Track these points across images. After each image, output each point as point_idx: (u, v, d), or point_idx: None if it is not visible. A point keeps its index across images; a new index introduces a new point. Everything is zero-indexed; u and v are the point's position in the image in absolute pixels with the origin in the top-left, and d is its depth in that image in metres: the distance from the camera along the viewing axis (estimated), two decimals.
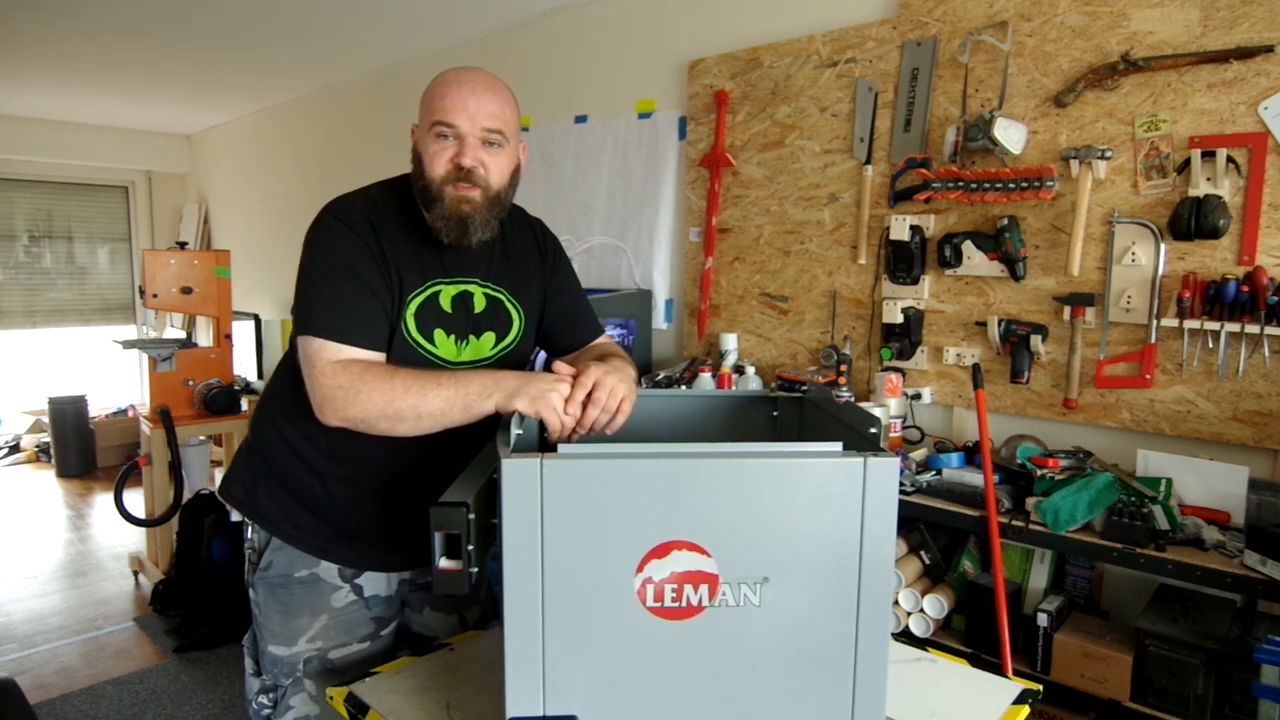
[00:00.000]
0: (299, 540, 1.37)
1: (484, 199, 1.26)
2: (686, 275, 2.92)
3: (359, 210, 1.28)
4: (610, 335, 3.00)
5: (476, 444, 1.26)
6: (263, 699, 1.41)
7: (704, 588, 0.93)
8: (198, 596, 3.30)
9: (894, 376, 2.24)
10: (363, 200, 1.30)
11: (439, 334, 1.31)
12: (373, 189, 1.35)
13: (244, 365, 4.85)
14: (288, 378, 1.37)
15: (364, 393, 1.14)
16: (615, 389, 1.14)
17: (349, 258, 1.23)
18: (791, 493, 0.93)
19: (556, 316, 1.48)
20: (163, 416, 3.46)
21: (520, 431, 1.10)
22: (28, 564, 4.06)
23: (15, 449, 6.11)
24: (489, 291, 1.38)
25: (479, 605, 1.58)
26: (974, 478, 1.90)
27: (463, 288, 1.35)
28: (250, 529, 1.42)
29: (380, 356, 1.24)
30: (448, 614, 1.53)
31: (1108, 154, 1.90)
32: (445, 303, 1.32)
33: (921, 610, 1.94)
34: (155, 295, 3.66)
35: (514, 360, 1.41)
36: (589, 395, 1.13)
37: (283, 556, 1.38)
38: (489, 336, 1.37)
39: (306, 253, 1.25)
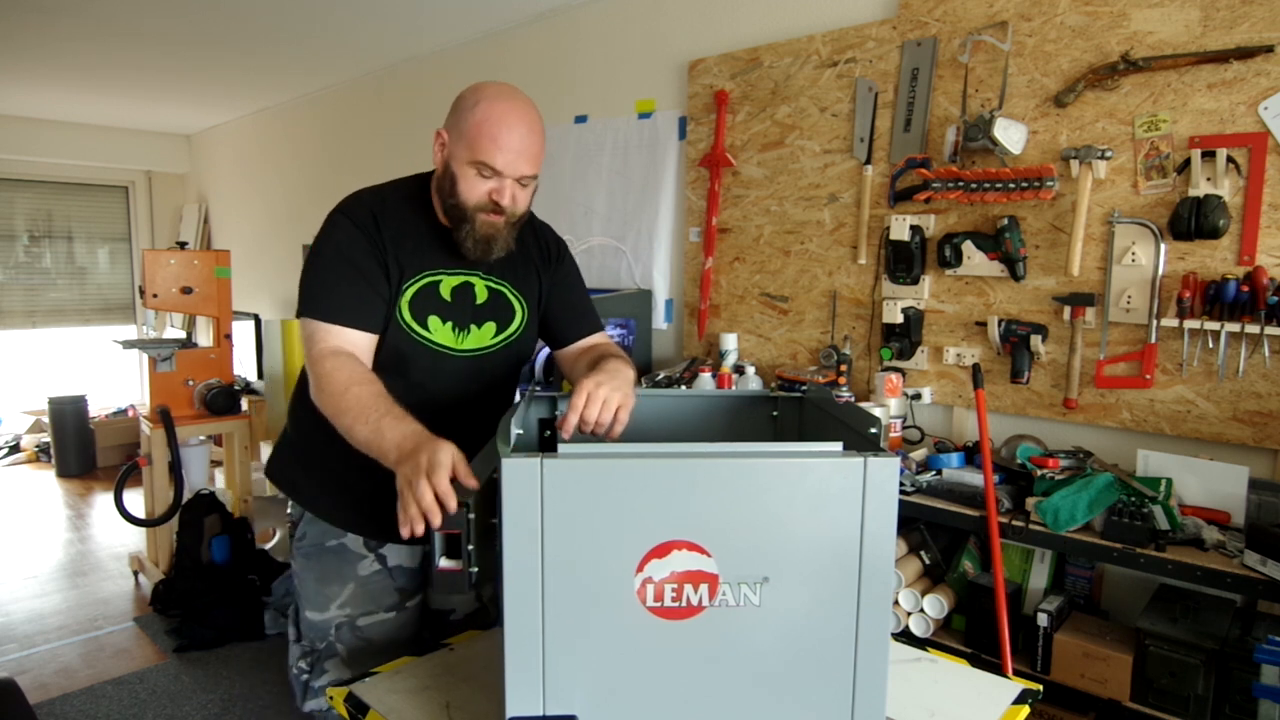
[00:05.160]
0: (326, 515, 1.47)
1: (507, 223, 1.36)
2: (686, 275, 2.92)
3: (364, 205, 1.37)
4: (610, 335, 3.00)
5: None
6: (302, 664, 1.52)
7: (704, 588, 0.93)
8: (198, 596, 3.30)
9: (894, 376, 2.24)
10: (371, 196, 1.40)
11: (434, 320, 1.39)
12: (385, 186, 1.44)
13: (244, 365, 4.85)
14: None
15: (324, 394, 1.24)
16: (609, 400, 1.17)
17: (346, 248, 1.32)
18: (791, 493, 0.93)
19: (556, 310, 1.54)
20: (163, 416, 3.46)
21: (520, 431, 1.11)
22: (28, 564, 4.06)
23: (15, 449, 6.11)
24: (491, 284, 1.45)
25: (491, 583, 1.61)
26: (974, 478, 1.90)
27: (464, 279, 1.42)
28: (291, 505, 1.54)
29: (369, 338, 1.33)
30: (492, 579, 1.57)
31: (1108, 154, 1.90)
32: (445, 291, 1.40)
33: (921, 610, 1.94)
34: (155, 295, 3.66)
35: (517, 350, 1.48)
36: (582, 414, 1.15)
37: (315, 528, 1.48)
38: (490, 326, 1.44)
39: (312, 245, 1.36)
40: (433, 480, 0.99)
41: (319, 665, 1.49)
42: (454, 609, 1.57)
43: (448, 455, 1.02)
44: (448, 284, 1.40)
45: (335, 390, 1.21)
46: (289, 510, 1.55)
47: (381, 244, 1.34)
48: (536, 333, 1.53)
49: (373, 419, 1.16)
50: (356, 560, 1.47)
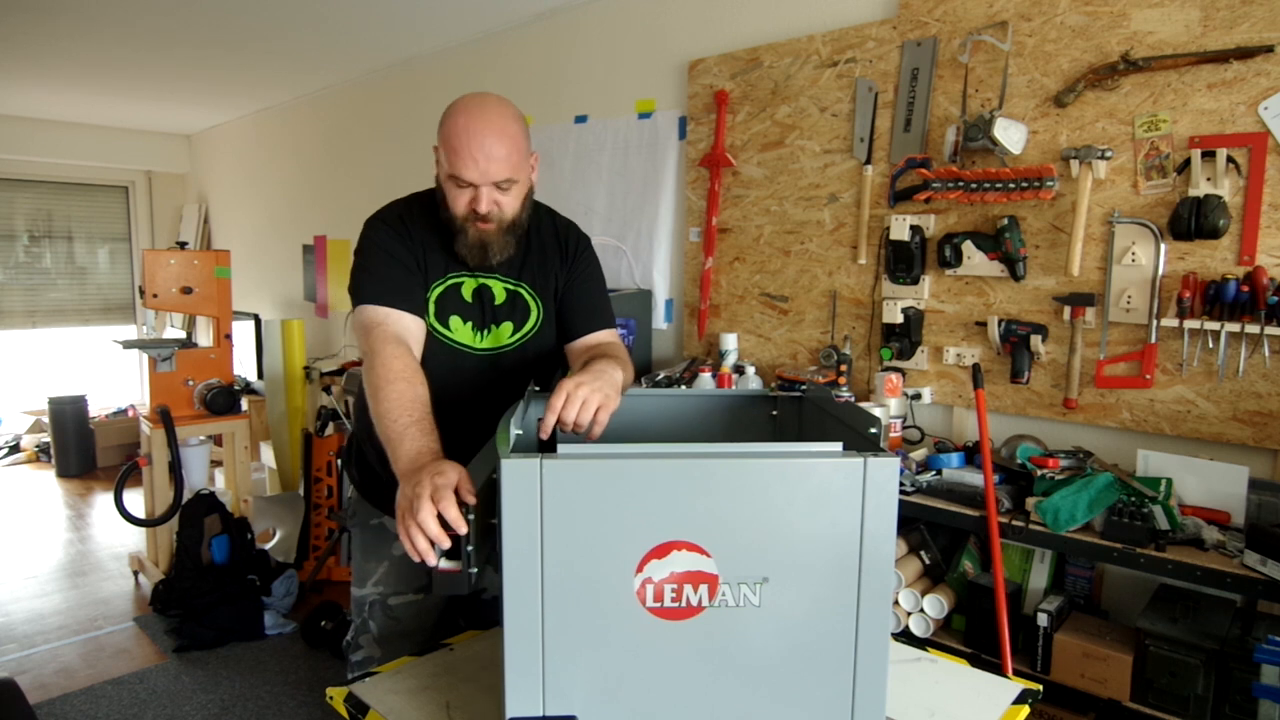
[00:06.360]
0: (366, 494, 1.61)
1: (499, 229, 1.41)
2: (686, 275, 2.92)
3: (394, 212, 1.49)
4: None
5: None
6: (349, 638, 1.63)
7: (704, 588, 0.93)
8: (198, 596, 3.30)
9: (894, 376, 2.24)
10: (399, 206, 1.51)
11: (455, 320, 1.47)
12: (409, 197, 1.54)
13: (244, 365, 4.85)
14: None
15: (373, 376, 1.27)
16: (588, 401, 1.17)
17: (387, 244, 1.43)
18: (791, 493, 0.93)
19: (567, 305, 1.57)
20: (163, 416, 3.46)
21: (520, 431, 1.11)
22: (28, 564, 4.06)
23: (15, 449, 6.11)
24: (509, 286, 1.51)
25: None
26: (974, 478, 1.90)
27: (482, 281, 1.49)
28: (351, 487, 1.68)
29: (421, 323, 1.41)
30: (497, 571, 1.59)
31: (1108, 154, 1.90)
32: (466, 293, 1.48)
33: (921, 610, 1.94)
34: (155, 295, 3.66)
35: (535, 347, 1.53)
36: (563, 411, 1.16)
37: (363, 506, 1.62)
38: (507, 326, 1.51)
39: (356, 250, 1.46)
40: (440, 506, 0.98)
41: (355, 640, 1.59)
42: (485, 589, 1.61)
43: (452, 478, 1.01)
44: (469, 286, 1.48)
45: (384, 378, 1.25)
46: (348, 493, 1.68)
47: (411, 241, 1.44)
48: (554, 330, 1.57)
49: (402, 422, 1.19)
50: (392, 540, 1.56)
